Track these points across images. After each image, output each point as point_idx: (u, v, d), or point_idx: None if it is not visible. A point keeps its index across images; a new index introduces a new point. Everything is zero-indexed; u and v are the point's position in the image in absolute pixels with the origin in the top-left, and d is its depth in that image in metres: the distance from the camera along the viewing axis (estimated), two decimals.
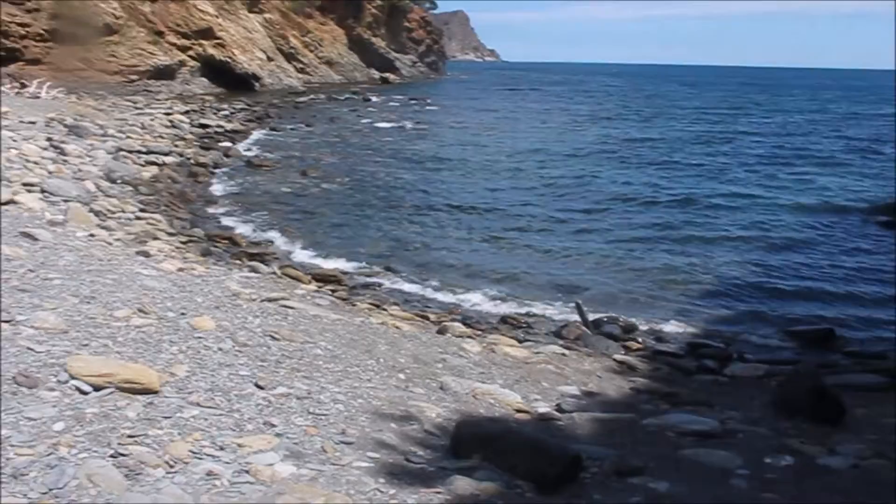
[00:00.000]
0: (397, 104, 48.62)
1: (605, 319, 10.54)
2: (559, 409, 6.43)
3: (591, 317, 10.43)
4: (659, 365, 8.84)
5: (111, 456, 3.88)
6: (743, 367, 8.83)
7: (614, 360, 8.81)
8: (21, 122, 20.66)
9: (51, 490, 3.41)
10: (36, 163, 15.65)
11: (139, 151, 20.99)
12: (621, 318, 10.69)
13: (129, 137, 22.91)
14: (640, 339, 9.96)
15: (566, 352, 8.85)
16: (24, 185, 13.13)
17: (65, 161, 16.96)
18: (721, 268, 13.48)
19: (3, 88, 30.49)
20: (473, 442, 4.73)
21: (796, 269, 13.64)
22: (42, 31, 36.65)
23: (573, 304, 10.74)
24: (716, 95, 77.53)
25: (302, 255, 13.07)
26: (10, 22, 35.06)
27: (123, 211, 13.90)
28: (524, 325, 10.17)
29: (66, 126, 22.09)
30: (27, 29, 35.97)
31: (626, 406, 6.90)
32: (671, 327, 10.55)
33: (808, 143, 33.15)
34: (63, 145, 18.65)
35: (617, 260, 13.74)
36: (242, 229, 14.55)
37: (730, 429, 6.05)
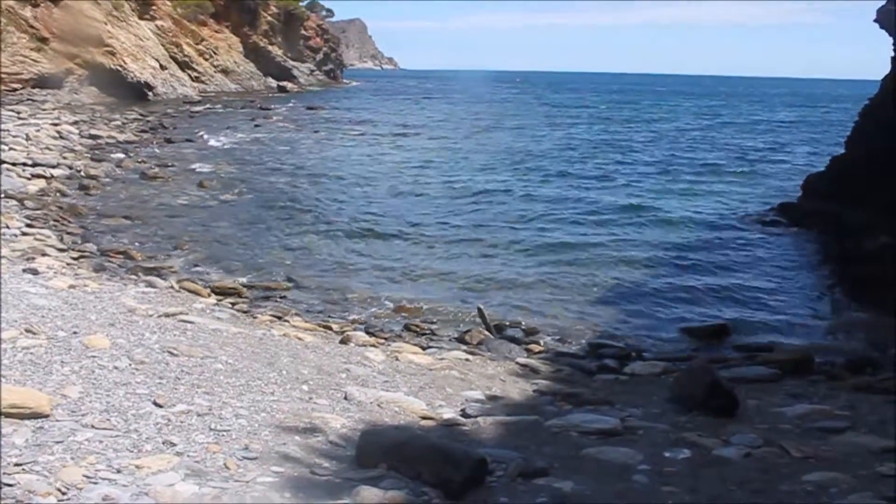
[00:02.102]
0: (295, 113, 48.08)
1: (507, 324, 10.68)
2: (464, 414, 6.48)
3: (493, 321, 10.54)
4: (561, 366, 9.00)
5: None
6: (642, 365, 9.08)
7: (517, 363, 8.93)
8: None
9: None
10: None
11: (24, 164, 20.14)
12: (523, 321, 10.85)
13: (12, 149, 21.91)
14: (541, 342, 10.12)
15: (470, 357, 8.93)
16: None
17: None
18: (618, 271, 13.81)
19: None
20: (378, 451, 4.72)
21: (690, 269, 14.10)
22: None
23: (475, 310, 10.83)
24: (603, 100, 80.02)
25: (200, 268, 12.71)
26: None
27: (7, 227, 13.30)
28: (427, 332, 10.18)
29: None
30: None
31: (529, 408, 7.00)
32: (572, 329, 10.73)
33: (696, 150, 34.33)
34: None
35: (517, 266, 13.91)
36: (138, 243, 14.07)
37: (630, 426, 6.21)
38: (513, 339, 10.05)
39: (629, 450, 5.43)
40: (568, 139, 37.37)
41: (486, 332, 10.12)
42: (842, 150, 19.05)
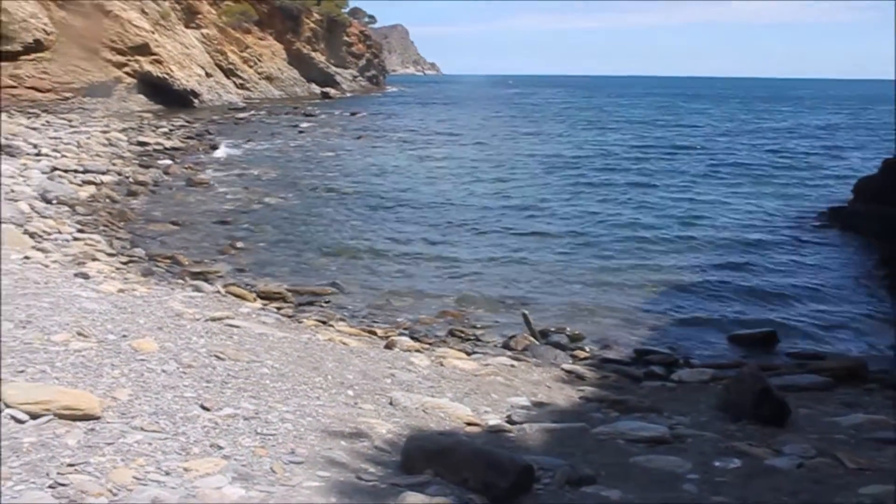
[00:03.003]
0: (339, 119, 48.44)
1: (553, 329, 10.60)
2: (509, 420, 6.42)
3: (539, 327, 10.47)
4: (607, 373, 8.91)
5: (50, 486, 3.76)
6: (689, 373, 8.95)
7: (562, 369, 8.85)
8: None
9: None
10: None
11: (75, 171, 20.54)
12: (568, 327, 10.76)
13: (64, 156, 22.38)
14: (587, 348, 10.03)
15: (515, 363, 8.87)
16: None
17: None
18: (665, 275, 13.66)
19: None
20: (424, 457, 4.69)
21: (738, 275, 13.88)
22: None
23: (520, 315, 10.77)
24: (650, 103, 79.22)
25: (246, 273, 12.82)
26: None
27: (60, 232, 13.56)
28: (472, 338, 10.15)
29: None
30: None
31: (575, 415, 6.92)
32: (618, 335, 10.63)
33: (742, 154, 33.80)
34: None
35: (562, 270, 13.81)
36: (185, 248, 14.25)
37: (678, 434, 6.11)
38: (558, 345, 9.98)
39: (677, 458, 5.33)
40: (610, 144, 37.08)
41: (531, 338, 10.06)
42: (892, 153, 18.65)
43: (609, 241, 16.11)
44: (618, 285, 12.93)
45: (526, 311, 10.70)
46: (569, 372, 8.73)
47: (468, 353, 9.20)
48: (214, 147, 30.69)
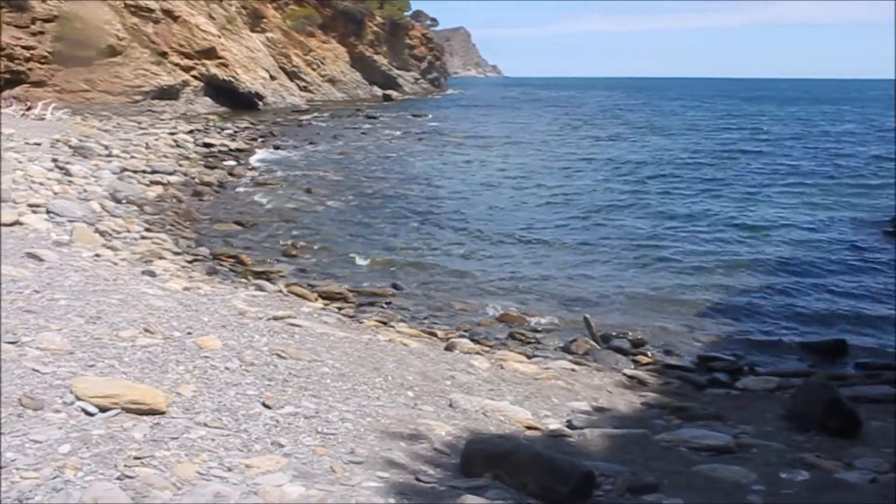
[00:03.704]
0: (400, 121, 48.72)
1: (614, 334, 10.49)
2: (570, 425, 6.36)
3: (600, 331, 10.35)
4: (669, 379, 8.77)
5: (117, 478, 3.83)
6: (754, 380, 8.75)
7: (624, 374, 8.73)
8: (26, 143, 20.73)
9: None
10: (41, 184, 15.66)
11: (144, 171, 21.05)
12: (630, 332, 10.63)
13: (133, 157, 22.96)
14: (649, 353, 9.89)
15: (575, 367, 8.79)
16: (30, 206, 13.13)
17: (70, 182, 16.99)
18: (729, 281, 13.40)
19: (8, 110, 30.65)
20: (484, 460, 4.67)
21: (804, 282, 13.53)
22: (46, 54, 36.85)
23: (581, 319, 10.67)
24: (719, 108, 77.74)
25: (308, 273, 12.97)
26: (15, 45, 35.24)
27: (129, 231, 13.88)
28: (532, 341, 10.09)
29: (70, 147, 22.17)
30: (32, 51, 36.17)
31: (637, 421, 6.82)
32: (680, 341, 10.47)
33: (814, 159, 32.94)
34: (68, 166, 18.69)
35: (625, 275, 13.66)
36: (248, 248, 14.47)
37: (743, 443, 5.97)
38: (619, 350, 9.85)
39: (742, 468, 5.21)
40: (672, 148, 36.41)
41: (593, 342, 9.96)
42: None
43: (672, 248, 15.80)
44: (681, 291, 12.71)
45: (587, 315, 10.59)
46: (630, 377, 8.61)
47: (528, 357, 9.14)
48: (277, 148, 31.12)
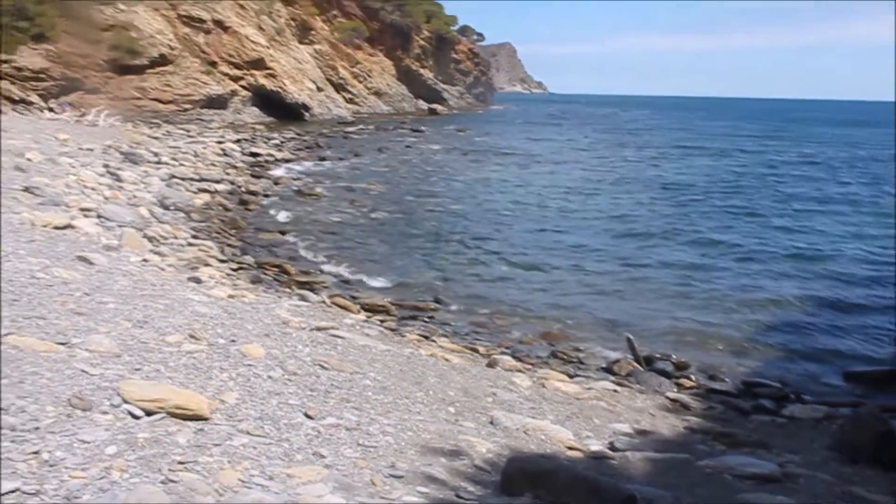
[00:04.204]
0: (445, 135, 48.85)
1: (657, 356, 10.35)
2: (612, 447, 6.28)
3: (643, 353, 10.23)
4: (713, 404, 8.63)
5: (162, 482, 3.86)
6: (801, 408, 8.57)
7: (667, 397, 8.62)
8: (80, 148, 21.17)
9: None
10: (93, 188, 15.97)
11: (192, 179, 21.36)
12: (673, 354, 10.49)
13: (182, 165, 23.33)
14: (692, 377, 9.74)
15: (618, 388, 8.69)
16: (82, 209, 13.38)
17: (120, 187, 17.30)
18: (775, 307, 13.14)
19: (63, 116, 31.35)
20: (525, 479, 4.62)
21: (853, 310, 13.23)
22: (101, 62, 37.64)
23: (624, 340, 10.56)
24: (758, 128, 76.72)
25: (351, 285, 13.03)
26: (72, 52, 36.09)
27: (176, 237, 14.07)
28: (574, 360, 10.01)
29: (121, 153, 22.58)
30: (87, 59, 36.98)
31: (680, 446, 6.71)
32: (725, 365, 10.30)
33: (859, 183, 32.30)
34: (119, 172, 19.05)
35: (669, 296, 13.46)
36: (292, 257, 14.58)
37: (790, 472, 5.84)
38: (662, 373, 9.72)
39: (788, 499, 5.10)
40: (721, 171, 35.82)
41: (635, 364, 9.84)
42: None
43: (718, 270, 15.55)
44: (726, 314, 12.50)
45: (631, 336, 10.47)
46: (673, 400, 8.49)
47: (570, 376, 9.06)
48: (323, 159, 31.39)
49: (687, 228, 20.03)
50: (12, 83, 32.19)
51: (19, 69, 32.87)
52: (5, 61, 32.13)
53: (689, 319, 12.19)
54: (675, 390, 9.06)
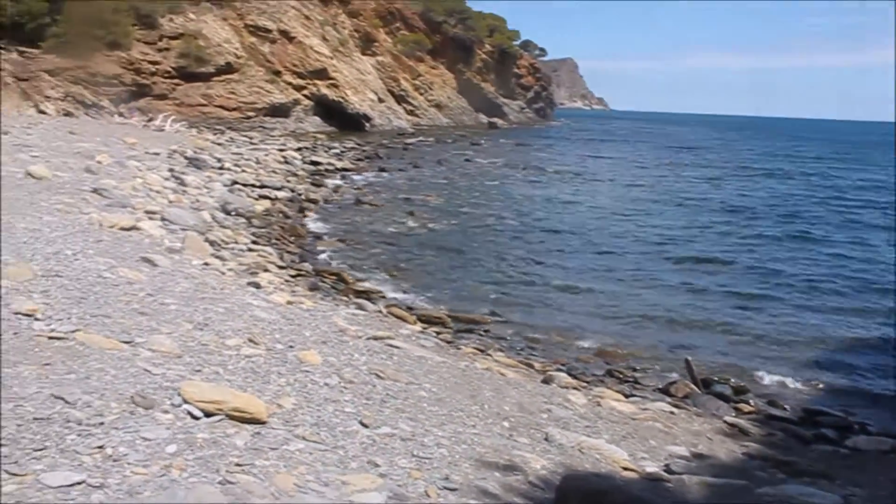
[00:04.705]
0: (504, 149, 48.83)
1: (716, 379, 10.14)
2: (668, 469, 6.17)
3: (701, 375, 10.04)
4: (773, 430, 8.41)
5: (219, 482, 3.90)
6: (866, 440, 8.30)
7: (725, 422, 8.43)
8: (146, 153, 21.67)
9: None
10: (158, 192, 16.30)
11: (253, 185, 21.68)
12: (732, 378, 10.26)
13: (244, 171, 23.69)
14: (752, 402, 9.52)
15: (674, 410, 8.54)
16: (147, 212, 13.65)
17: (184, 191, 17.64)
18: (841, 333, 12.78)
19: (132, 121, 32.17)
20: (579, 498, 4.55)
21: None
22: (170, 69, 38.57)
23: (681, 361, 10.38)
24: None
25: (408, 295, 13.04)
26: (143, 60, 37.06)
27: (236, 242, 14.28)
28: (630, 380, 9.86)
29: (186, 158, 23.06)
30: (157, 66, 37.94)
31: (738, 472, 6.57)
32: (786, 392, 10.05)
33: None
34: (183, 176, 19.43)
35: (729, 318, 13.17)
36: (350, 266, 14.67)
37: None
38: (721, 396, 9.52)
39: None
40: (783, 191, 35.04)
41: (693, 386, 9.66)
42: None
43: (779, 298, 15.05)
44: (788, 340, 12.18)
45: (689, 358, 10.29)
46: (731, 425, 8.30)
47: (626, 396, 8.93)
48: (382, 170, 31.61)
49: (747, 253, 19.47)
50: (85, 88, 33.14)
51: (93, 75, 33.83)
52: (80, 67, 33.10)
53: (750, 344, 11.91)
54: (734, 415, 8.86)
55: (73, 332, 5.80)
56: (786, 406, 9.54)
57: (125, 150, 20.99)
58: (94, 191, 13.73)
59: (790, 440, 8.21)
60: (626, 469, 5.93)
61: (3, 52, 30.35)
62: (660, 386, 9.74)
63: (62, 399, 4.47)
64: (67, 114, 30.58)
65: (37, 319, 5.93)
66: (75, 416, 4.28)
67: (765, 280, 16.40)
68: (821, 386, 10.47)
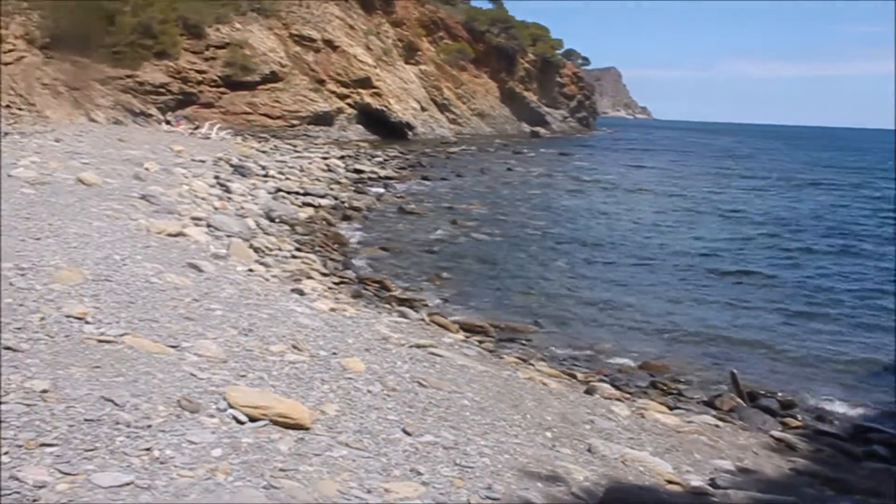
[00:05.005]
0: (547, 158, 48.69)
1: (762, 392, 9.96)
2: (713, 483, 6.07)
3: (746, 388, 9.87)
4: (821, 446, 8.23)
5: (264, 487, 3.94)
6: None
7: (772, 436, 8.27)
8: (192, 160, 22.02)
9: None
10: (203, 198, 16.55)
11: (297, 193, 21.88)
12: (779, 392, 10.08)
13: (288, 179, 23.94)
14: (799, 417, 9.33)
15: (720, 423, 8.41)
16: (193, 218, 13.86)
17: (229, 198, 17.87)
18: (892, 350, 12.47)
19: (178, 128, 32.71)
20: None
21: None
22: (216, 78, 39.16)
23: (726, 374, 10.23)
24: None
25: (450, 304, 13.01)
26: (190, 69, 37.69)
27: (280, 249, 14.40)
28: (675, 392, 9.72)
29: (231, 165, 23.38)
30: (203, 75, 38.55)
31: (785, 487, 6.44)
32: (835, 407, 9.82)
33: None
34: (228, 183, 19.70)
35: (775, 333, 12.90)
36: (393, 274, 14.69)
37: None
38: (767, 410, 9.33)
39: None
40: (829, 206, 33.80)
41: (739, 399, 9.49)
42: None
43: (826, 311, 14.74)
44: (836, 357, 11.86)
45: (734, 371, 10.13)
46: (778, 440, 8.14)
47: (670, 408, 8.80)
48: (425, 178, 31.70)
49: (794, 268, 19.04)
50: (134, 96, 33.80)
51: (141, 83, 34.49)
52: (129, 76, 33.79)
53: (797, 359, 11.64)
54: (780, 429, 8.69)
55: (122, 335, 5.90)
56: (834, 421, 9.34)
57: (172, 158, 21.34)
58: (142, 197, 13.98)
59: (839, 457, 8.01)
60: (670, 482, 5.84)
61: (57, 62, 31.09)
62: (704, 398, 9.60)
63: (111, 401, 4.54)
64: (117, 122, 31.20)
65: (87, 323, 6.05)
66: (124, 418, 4.35)
67: (812, 295, 15.98)
68: (870, 403, 10.19)
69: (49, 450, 3.84)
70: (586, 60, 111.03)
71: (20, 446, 3.81)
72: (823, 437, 8.61)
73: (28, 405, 4.28)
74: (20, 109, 26.57)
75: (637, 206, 29.70)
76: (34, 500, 3.37)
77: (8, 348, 5.13)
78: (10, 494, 3.39)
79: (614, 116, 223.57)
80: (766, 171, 52.09)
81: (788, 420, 9.14)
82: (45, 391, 4.52)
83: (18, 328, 5.60)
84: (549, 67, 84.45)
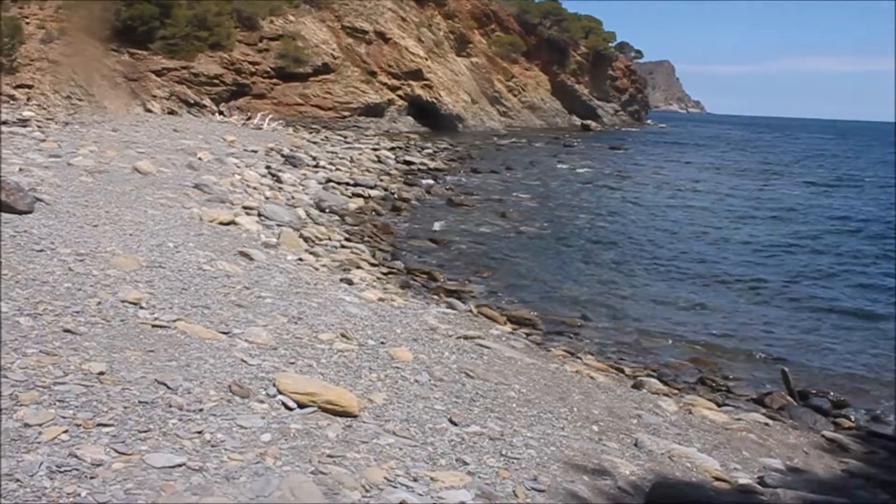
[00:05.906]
0: (598, 152, 48.24)
1: (813, 391, 9.79)
2: (761, 482, 6.00)
3: (797, 387, 9.71)
4: (875, 448, 8.05)
5: (312, 472, 4.00)
6: None
7: (823, 436, 8.12)
8: (245, 150, 22.29)
9: (257, 497, 3.54)
10: (255, 188, 16.76)
11: (347, 183, 22.03)
12: (831, 391, 9.89)
13: (338, 170, 24.10)
14: (852, 417, 9.14)
15: (769, 422, 8.28)
16: (245, 208, 14.06)
17: (280, 188, 18.08)
18: None
19: (231, 119, 33.15)
20: None
21: None
22: (269, 69, 39.56)
23: (776, 372, 10.07)
24: None
25: (498, 296, 12.99)
26: (244, 60, 38.13)
27: (330, 239, 14.53)
28: (723, 389, 9.60)
29: (282, 156, 23.63)
30: (256, 66, 38.96)
31: (837, 489, 6.33)
32: (889, 408, 9.59)
33: None
34: (279, 173, 19.92)
35: (830, 333, 12.63)
36: (441, 265, 14.72)
37: None
38: (818, 410, 9.17)
39: None
40: (887, 204, 32.86)
41: (789, 398, 9.34)
42: None
43: (887, 312, 14.23)
44: (890, 359, 11.60)
45: (785, 369, 9.97)
46: (830, 440, 7.99)
47: (718, 405, 8.70)
48: (475, 171, 31.66)
49: (855, 268, 18.36)
50: (188, 87, 34.32)
51: (196, 75, 35.01)
52: (185, 67, 34.34)
53: (850, 357, 11.39)
54: (832, 429, 8.53)
55: (175, 321, 6.03)
56: (889, 423, 9.14)
57: (225, 148, 21.65)
58: (196, 186, 14.22)
59: (894, 459, 7.85)
60: (717, 479, 5.78)
61: (115, 53, 31.74)
62: (754, 396, 9.45)
63: (164, 385, 4.65)
64: (171, 112, 31.72)
65: (141, 308, 6.19)
66: (177, 401, 4.45)
67: (872, 297, 15.52)
68: None
69: (105, 430, 3.95)
70: (639, 54, 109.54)
71: (79, 425, 3.93)
72: (877, 438, 8.42)
73: (86, 386, 4.41)
74: (80, 100, 27.13)
75: (689, 201, 29.20)
76: (92, 478, 3.48)
77: (67, 331, 5.28)
78: (69, 471, 3.49)
79: (667, 110, 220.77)
80: (826, 170, 50.61)
81: (841, 420, 8.96)
82: (101, 373, 4.65)
83: (77, 312, 5.75)
84: (601, 60, 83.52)
